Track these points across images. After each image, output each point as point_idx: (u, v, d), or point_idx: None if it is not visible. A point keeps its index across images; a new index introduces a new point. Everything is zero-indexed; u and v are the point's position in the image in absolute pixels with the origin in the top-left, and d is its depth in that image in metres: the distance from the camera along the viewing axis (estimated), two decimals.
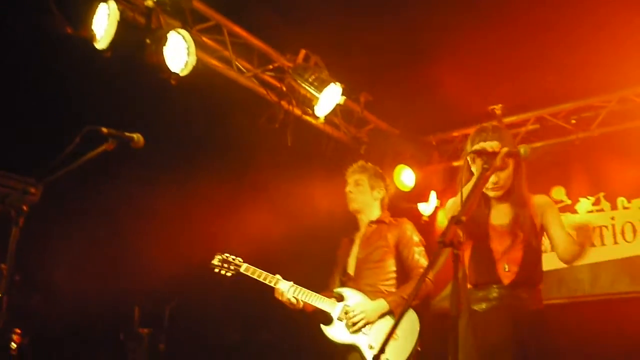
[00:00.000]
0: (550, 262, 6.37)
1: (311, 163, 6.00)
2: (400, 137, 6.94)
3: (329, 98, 5.45)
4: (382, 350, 3.45)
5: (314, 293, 4.36)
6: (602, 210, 6.38)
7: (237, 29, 5.16)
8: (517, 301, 3.16)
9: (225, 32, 5.14)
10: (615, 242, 6.25)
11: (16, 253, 2.76)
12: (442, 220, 6.83)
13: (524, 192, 3.28)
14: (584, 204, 6.46)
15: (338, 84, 5.41)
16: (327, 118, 5.82)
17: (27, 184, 2.85)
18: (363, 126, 6.75)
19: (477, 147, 2.93)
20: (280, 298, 4.34)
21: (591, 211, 6.43)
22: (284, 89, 5.50)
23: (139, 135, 3.21)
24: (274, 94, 5.61)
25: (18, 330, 4.51)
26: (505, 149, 2.95)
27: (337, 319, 4.30)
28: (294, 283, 4.38)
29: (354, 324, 4.22)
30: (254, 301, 4.99)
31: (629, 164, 6.18)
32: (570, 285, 6.28)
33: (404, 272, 4.47)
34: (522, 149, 2.99)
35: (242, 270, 4.39)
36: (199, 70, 4.72)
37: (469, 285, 3.28)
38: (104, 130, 3.06)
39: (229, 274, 4.40)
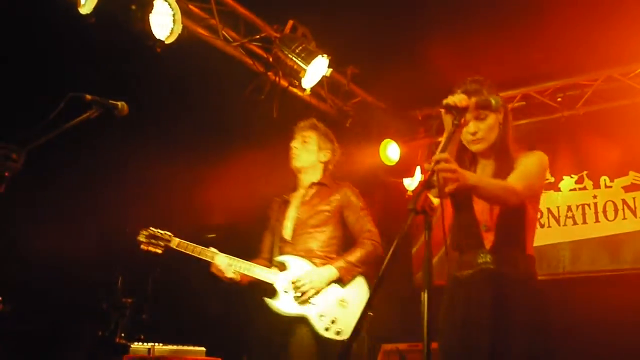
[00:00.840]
0: None
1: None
2: (386, 111, 6.93)
3: (315, 70, 5.41)
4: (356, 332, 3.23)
5: (253, 264, 4.06)
6: (584, 188, 6.43)
7: None
8: (501, 267, 2.95)
9: (212, 0, 5.07)
10: (597, 221, 6.31)
11: None
12: None
13: (508, 146, 3.08)
14: (567, 182, 6.51)
15: (325, 55, 5.38)
16: (314, 90, 5.78)
17: (10, 150, 2.81)
18: (349, 99, 6.73)
19: (445, 102, 2.79)
20: (217, 273, 4.03)
21: (574, 189, 6.48)
22: (271, 59, 5.45)
23: (123, 103, 3.18)
24: (260, 64, 5.56)
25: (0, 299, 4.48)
26: (473, 100, 2.86)
27: (283, 291, 3.99)
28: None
29: (303, 294, 3.95)
30: None
31: (613, 143, 6.23)
32: (551, 262, 6.35)
33: (344, 237, 4.24)
34: (493, 100, 2.95)
35: (173, 245, 4.02)
36: (185, 39, 4.67)
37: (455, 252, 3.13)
38: (88, 97, 3.02)
39: (158, 251, 4.02)
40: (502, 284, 2.92)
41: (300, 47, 5.26)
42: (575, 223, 6.41)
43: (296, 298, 3.95)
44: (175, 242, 4.03)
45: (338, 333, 3.93)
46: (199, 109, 5.60)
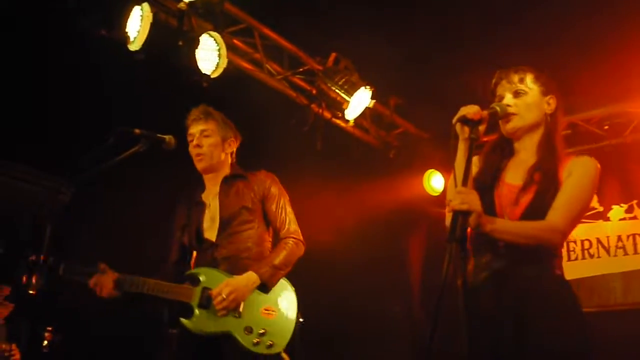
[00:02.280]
0: (581, 269, 6.37)
1: (340, 167, 6.00)
2: (429, 141, 6.91)
3: (358, 101, 5.44)
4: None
5: (162, 282, 3.50)
6: (635, 217, 6.29)
7: (268, 32, 5.18)
8: (519, 270, 2.65)
9: (257, 34, 5.16)
10: None
11: (48, 251, 2.80)
12: None
13: (556, 144, 2.78)
14: (617, 211, 6.37)
15: (368, 87, 5.41)
16: (357, 121, 5.81)
17: (59, 184, 2.89)
18: (392, 130, 6.73)
19: (458, 115, 2.59)
20: (94, 288, 3.47)
21: (624, 219, 6.33)
22: (314, 92, 5.50)
23: (170, 136, 3.25)
24: (303, 97, 5.62)
25: (49, 328, 4.57)
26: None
27: (199, 307, 3.47)
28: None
29: (225, 310, 3.45)
30: None
31: None
32: (602, 294, 6.19)
33: (267, 235, 3.79)
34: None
35: (60, 272, 3.39)
36: (230, 73, 4.76)
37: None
38: (137, 131, 3.10)
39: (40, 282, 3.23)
40: (522, 284, 2.64)
41: (343, 79, 5.31)
42: (626, 253, 6.25)
43: (215, 313, 3.46)
44: (61, 269, 3.38)
45: (270, 346, 3.47)
46: (242, 141, 5.66)
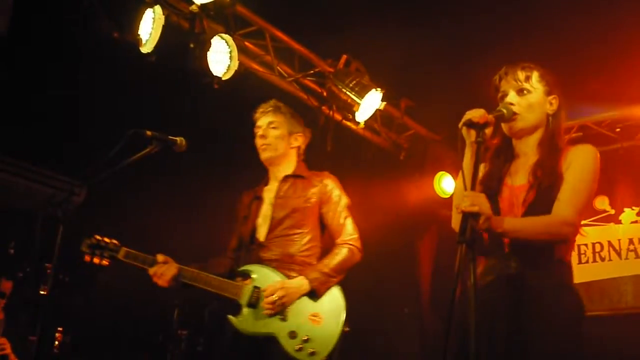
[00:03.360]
0: (592, 272, 6.35)
1: (350, 169, 6.00)
2: (440, 143, 6.90)
3: (369, 104, 5.45)
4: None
5: (215, 277, 3.52)
6: None
7: (279, 34, 5.20)
8: (523, 272, 2.61)
9: (268, 36, 5.18)
10: None
11: (61, 253, 2.81)
12: None
13: (557, 143, 2.75)
14: (628, 214, 6.34)
15: (379, 89, 5.41)
16: (367, 123, 5.81)
17: (72, 185, 2.91)
18: (403, 132, 6.73)
19: (463, 119, 2.56)
20: (155, 278, 3.50)
21: (635, 221, 6.31)
22: (325, 94, 5.51)
23: (182, 138, 3.26)
24: (314, 98, 5.63)
25: (60, 329, 4.60)
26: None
27: (248, 306, 3.46)
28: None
29: (272, 311, 3.41)
30: None
31: None
32: (613, 297, 6.16)
33: (324, 238, 3.73)
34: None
35: (120, 256, 3.46)
36: (241, 75, 4.77)
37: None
38: (148, 133, 3.11)
39: (104, 262, 3.47)
40: (522, 291, 2.60)
41: (354, 81, 5.32)
42: (637, 256, 6.22)
43: (263, 314, 3.43)
44: (123, 252, 3.47)
45: (312, 354, 3.39)
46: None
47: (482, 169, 2.84)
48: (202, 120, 4.96)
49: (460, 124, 2.59)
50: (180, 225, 5.20)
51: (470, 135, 2.61)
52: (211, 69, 4.56)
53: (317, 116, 5.64)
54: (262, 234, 3.65)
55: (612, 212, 6.37)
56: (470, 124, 2.56)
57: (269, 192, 3.76)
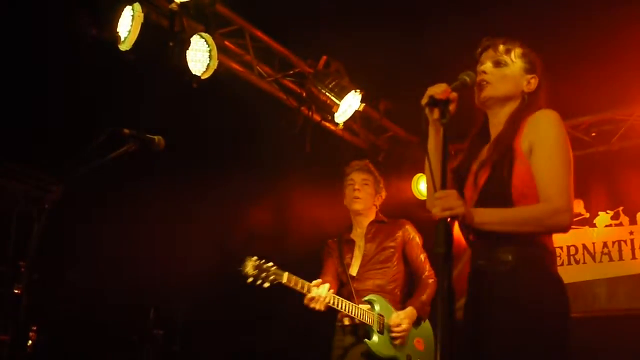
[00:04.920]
0: (566, 275, 6.36)
1: (329, 169, 6.01)
2: (418, 145, 6.92)
3: (348, 105, 5.46)
4: None
5: (350, 303, 4.07)
6: (620, 224, 6.34)
7: (259, 34, 5.18)
8: (492, 263, 2.47)
9: (248, 36, 5.16)
10: (634, 257, 6.20)
11: (35, 251, 2.78)
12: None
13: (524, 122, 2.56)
14: (603, 218, 6.42)
15: (358, 91, 5.43)
16: (346, 124, 5.82)
17: (49, 182, 2.88)
18: (382, 133, 6.75)
19: (425, 96, 2.42)
20: (310, 303, 3.90)
21: (609, 225, 6.38)
22: (304, 94, 5.51)
23: (159, 137, 3.24)
24: (293, 99, 5.63)
25: (34, 328, 4.54)
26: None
27: (377, 331, 4.08)
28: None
29: (398, 338, 4.08)
30: (269, 303, 4.93)
31: None
32: (587, 299, 6.23)
33: (407, 272, 4.41)
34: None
35: (283, 280, 3.80)
36: (220, 74, 4.75)
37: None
38: (126, 131, 3.09)
39: (266, 285, 3.77)
40: (490, 283, 2.46)
41: (334, 83, 5.32)
42: (611, 260, 6.30)
43: (388, 339, 4.06)
44: (286, 276, 3.82)
45: None
46: (232, 142, 5.66)
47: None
48: (179, 119, 4.92)
49: (422, 102, 2.45)
50: (160, 225, 5.17)
51: (433, 114, 2.50)
52: (190, 68, 4.53)
53: (296, 117, 5.63)
54: (354, 269, 4.33)
55: (587, 215, 6.44)
56: (433, 102, 2.42)
57: (358, 236, 4.46)
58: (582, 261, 6.41)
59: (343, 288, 4.32)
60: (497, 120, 2.69)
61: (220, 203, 5.51)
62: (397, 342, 4.07)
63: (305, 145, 5.62)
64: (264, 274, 3.75)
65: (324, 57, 5.40)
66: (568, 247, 6.47)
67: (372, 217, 4.50)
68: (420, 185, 6.93)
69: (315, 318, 4.05)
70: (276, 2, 4.75)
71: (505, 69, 2.65)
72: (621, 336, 5.75)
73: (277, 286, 3.80)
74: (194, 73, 4.56)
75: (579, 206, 6.40)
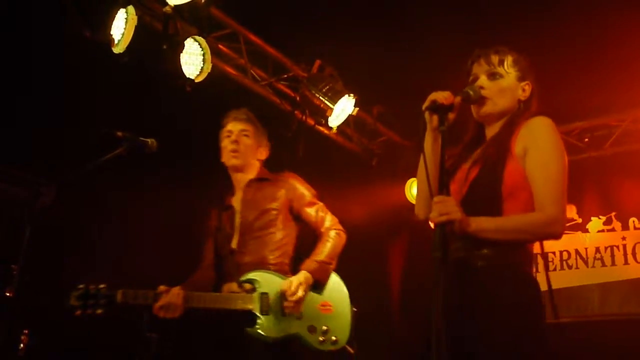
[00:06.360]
0: (559, 280, 6.41)
1: (322, 174, 6.00)
2: (412, 149, 6.93)
3: (342, 109, 5.46)
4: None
5: (218, 294, 3.52)
6: (613, 229, 6.35)
7: (253, 38, 5.19)
8: (472, 256, 2.45)
9: (242, 40, 5.17)
10: (626, 263, 6.22)
11: (27, 253, 2.77)
12: None
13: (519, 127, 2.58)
14: (595, 223, 6.43)
15: (352, 95, 5.43)
16: (340, 129, 5.83)
17: (40, 185, 2.87)
18: (375, 138, 6.75)
19: (427, 101, 2.42)
20: (164, 313, 3.41)
21: (602, 230, 6.40)
22: (298, 98, 5.51)
23: (152, 140, 3.24)
24: (287, 103, 5.63)
25: (26, 331, 4.52)
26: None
27: (262, 313, 3.40)
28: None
29: (297, 310, 3.43)
30: None
31: None
32: (580, 304, 6.25)
33: (297, 236, 3.75)
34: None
35: (118, 299, 3.27)
36: (214, 77, 4.75)
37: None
38: (119, 133, 3.09)
39: (99, 311, 3.27)
40: (470, 276, 2.44)
41: (327, 87, 5.33)
42: (604, 265, 6.32)
43: (280, 318, 3.41)
44: (120, 295, 3.28)
45: (334, 342, 3.50)
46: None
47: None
48: (173, 122, 4.92)
49: (423, 107, 2.45)
50: (154, 228, 5.15)
51: (432, 121, 2.50)
52: (184, 71, 4.53)
53: (290, 121, 5.63)
54: (235, 240, 3.65)
55: (580, 220, 6.46)
56: (434, 107, 2.43)
57: (238, 199, 3.76)
58: (574, 266, 6.42)
59: (227, 264, 3.65)
60: (494, 130, 2.72)
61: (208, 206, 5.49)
62: (287, 311, 3.42)
63: (299, 149, 5.62)
64: (91, 301, 3.25)
65: (318, 61, 5.41)
66: (561, 252, 6.48)
67: (253, 174, 3.80)
68: (414, 190, 6.93)
69: None
70: (270, 6, 4.75)
71: (502, 82, 2.67)
72: (614, 341, 5.75)
73: (117, 307, 3.29)
74: (187, 76, 4.56)
75: (571, 211, 6.42)
